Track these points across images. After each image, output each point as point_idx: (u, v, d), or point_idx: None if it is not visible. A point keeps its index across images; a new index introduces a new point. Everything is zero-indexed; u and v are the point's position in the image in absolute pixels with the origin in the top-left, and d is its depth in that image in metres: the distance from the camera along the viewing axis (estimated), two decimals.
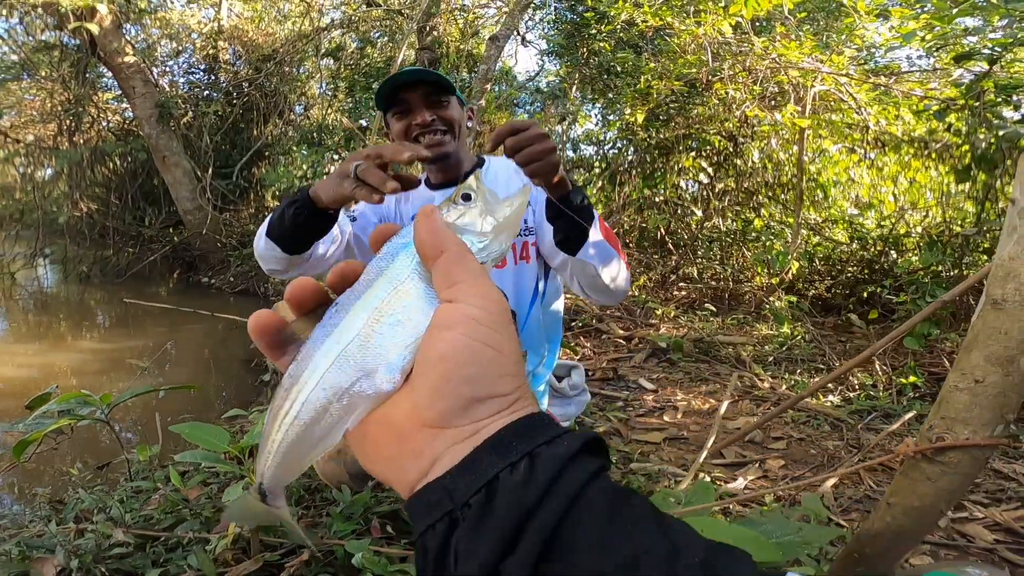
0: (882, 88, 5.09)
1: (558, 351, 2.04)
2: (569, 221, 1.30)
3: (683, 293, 5.53)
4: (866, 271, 5.24)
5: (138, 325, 6.36)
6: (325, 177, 1.25)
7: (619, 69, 6.07)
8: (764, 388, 3.78)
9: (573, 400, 2.46)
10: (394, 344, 0.38)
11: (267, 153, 8.79)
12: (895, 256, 5.16)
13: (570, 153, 6.90)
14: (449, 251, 0.38)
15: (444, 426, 0.35)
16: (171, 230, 8.68)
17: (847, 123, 5.52)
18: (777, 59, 4.95)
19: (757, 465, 2.68)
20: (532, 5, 6.99)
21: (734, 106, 5.16)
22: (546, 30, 8.48)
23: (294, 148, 8.25)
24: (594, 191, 5.92)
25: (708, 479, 2.47)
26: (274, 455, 0.40)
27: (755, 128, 5.42)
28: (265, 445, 0.41)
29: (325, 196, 1.21)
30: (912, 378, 3.46)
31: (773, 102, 5.44)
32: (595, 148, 6.45)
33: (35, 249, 9.20)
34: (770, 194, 5.80)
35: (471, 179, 0.45)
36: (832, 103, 5.60)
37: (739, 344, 4.48)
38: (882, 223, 5.48)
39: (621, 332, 4.67)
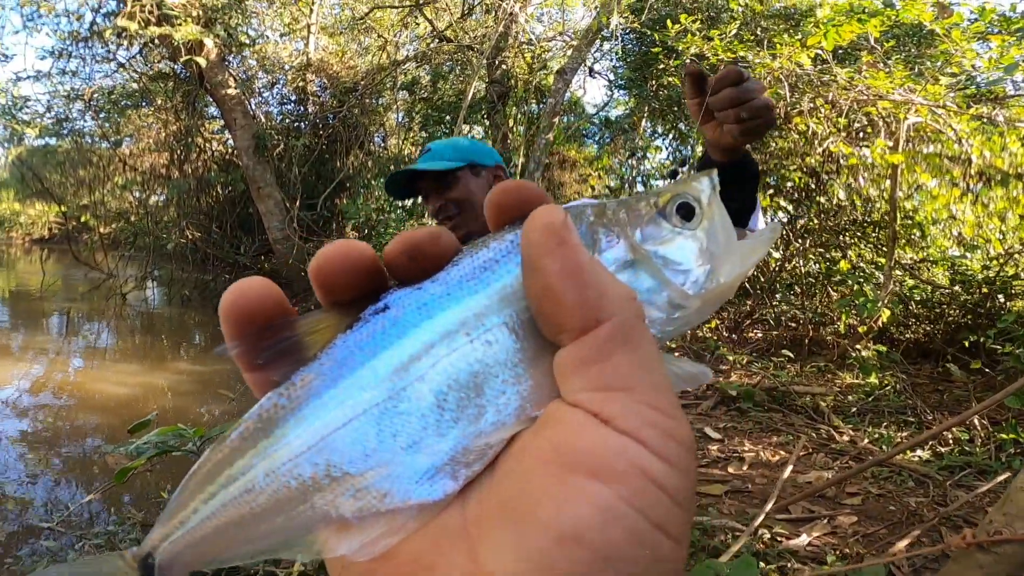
0: (985, 119, 4.68)
1: None
2: (750, 189, 1.12)
3: (758, 338, 5.27)
4: (969, 316, 4.79)
5: None
6: None
7: None
8: (843, 441, 3.55)
9: None
10: (470, 426, 0.23)
11: (348, 185, 9.28)
12: (1003, 301, 4.69)
13: (640, 187, 6.79)
14: (615, 323, 0.22)
15: None
16: (262, 258, 9.29)
17: (947, 156, 5.10)
18: (864, 90, 4.67)
19: (826, 521, 2.54)
20: (600, 37, 7.02)
21: (816, 141, 4.91)
22: (613, 61, 8.49)
23: (372, 182, 8.66)
24: None
25: (768, 535, 2.36)
26: (191, 527, 0.25)
27: (840, 163, 5.12)
28: (183, 504, 0.26)
29: None
30: (1012, 434, 3.14)
31: (861, 135, 5.13)
32: (666, 183, 6.32)
33: (145, 272, 10.11)
34: (859, 233, 5.44)
35: (701, 180, 0.28)
36: (929, 134, 5.20)
37: (818, 394, 4.21)
38: (988, 264, 5.00)
39: None
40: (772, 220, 5.54)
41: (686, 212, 0.27)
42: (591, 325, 0.21)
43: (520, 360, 0.23)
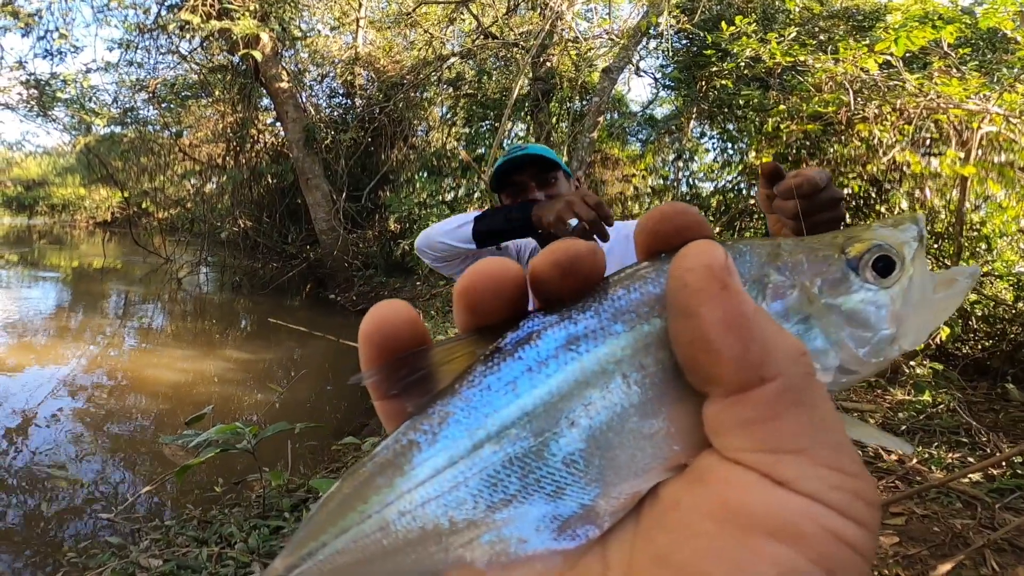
0: None
1: None
2: None
3: None
4: None
5: (275, 336, 7.03)
6: (550, 202, 1.29)
7: (742, 103, 5.72)
8: (890, 460, 3.41)
9: None
10: (620, 472, 0.21)
11: (392, 177, 9.37)
12: None
13: (684, 188, 6.62)
14: (783, 382, 0.20)
15: None
16: (308, 248, 9.50)
17: (1019, 166, 4.80)
18: (935, 98, 4.42)
19: None
20: (648, 35, 6.85)
21: (880, 150, 4.67)
22: (660, 60, 8.23)
23: (415, 176, 8.70)
24: None
25: None
26: (319, 560, 0.24)
27: (904, 171, 4.87)
28: (311, 535, 0.24)
29: (544, 217, 1.27)
30: None
31: (928, 142, 4.87)
32: (712, 185, 6.13)
33: (199, 258, 10.47)
34: None
35: (907, 228, 0.25)
36: (1001, 143, 4.90)
37: (866, 412, 4.05)
38: None
39: None
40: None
41: (884, 267, 0.23)
42: (753, 383, 0.19)
43: (676, 403, 0.21)
